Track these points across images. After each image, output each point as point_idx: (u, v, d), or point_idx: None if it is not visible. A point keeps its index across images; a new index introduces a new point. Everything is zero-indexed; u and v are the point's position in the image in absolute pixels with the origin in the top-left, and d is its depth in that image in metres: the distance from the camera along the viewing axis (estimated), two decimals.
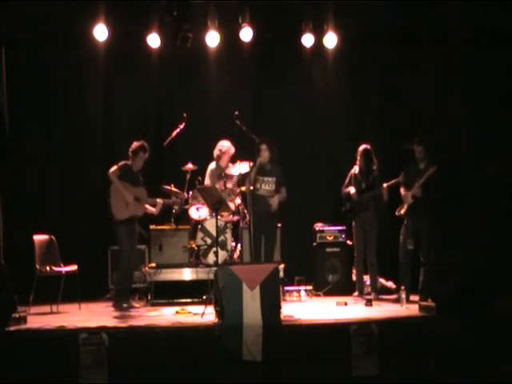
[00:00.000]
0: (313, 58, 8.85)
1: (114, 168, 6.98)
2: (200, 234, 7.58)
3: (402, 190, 7.40)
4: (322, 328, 5.57)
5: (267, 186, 7.15)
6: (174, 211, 7.79)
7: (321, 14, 8.28)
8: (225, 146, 7.90)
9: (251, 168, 7.19)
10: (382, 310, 6.58)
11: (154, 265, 7.60)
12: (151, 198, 7.23)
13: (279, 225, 7.83)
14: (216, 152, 7.94)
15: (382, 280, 7.94)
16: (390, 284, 8.02)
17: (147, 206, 7.20)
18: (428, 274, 7.05)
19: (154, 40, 8.18)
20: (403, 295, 6.63)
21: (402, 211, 7.35)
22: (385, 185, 7.49)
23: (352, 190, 7.67)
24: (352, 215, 7.72)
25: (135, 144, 7.12)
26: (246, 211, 7.68)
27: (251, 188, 7.04)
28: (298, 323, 5.75)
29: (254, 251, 7.04)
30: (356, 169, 7.74)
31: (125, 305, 6.96)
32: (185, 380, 5.15)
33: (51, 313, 6.82)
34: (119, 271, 7.04)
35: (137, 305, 7.16)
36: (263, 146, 7.11)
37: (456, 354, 5.41)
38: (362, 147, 7.67)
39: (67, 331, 5.38)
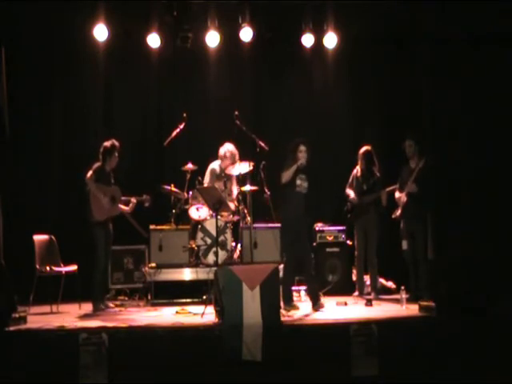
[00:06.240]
0: (313, 57, 8.85)
1: (90, 173, 6.88)
2: (200, 234, 7.58)
3: (397, 194, 7.43)
4: (322, 328, 5.58)
5: (305, 183, 6.81)
6: (174, 211, 7.79)
7: (321, 13, 8.28)
8: (231, 150, 7.87)
9: (289, 167, 6.64)
10: (382, 309, 6.58)
11: (153, 265, 7.60)
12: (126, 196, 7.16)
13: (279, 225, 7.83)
14: (221, 152, 7.94)
15: (381, 280, 7.95)
16: (390, 284, 8.03)
17: (120, 205, 7.12)
18: (424, 273, 7.06)
19: (154, 40, 8.18)
20: (403, 295, 6.63)
21: (398, 213, 7.38)
22: (386, 190, 7.50)
23: (351, 193, 7.68)
24: (353, 216, 7.73)
25: (107, 144, 7.00)
26: (246, 211, 7.69)
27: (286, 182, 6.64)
28: (298, 323, 5.76)
29: (288, 254, 6.74)
30: (358, 170, 7.74)
31: (102, 306, 6.91)
32: (185, 380, 5.16)
33: (51, 313, 6.83)
34: (96, 273, 6.86)
35: (112, 305, 7.12)
36: (302, 148, 6.70)
37: (456, 353, 5.41)
38: (362, 149, 7.66)
39: (67, 331, 5.38)
